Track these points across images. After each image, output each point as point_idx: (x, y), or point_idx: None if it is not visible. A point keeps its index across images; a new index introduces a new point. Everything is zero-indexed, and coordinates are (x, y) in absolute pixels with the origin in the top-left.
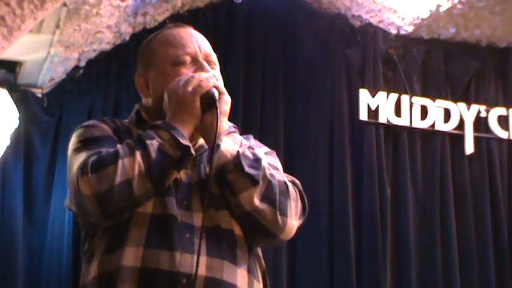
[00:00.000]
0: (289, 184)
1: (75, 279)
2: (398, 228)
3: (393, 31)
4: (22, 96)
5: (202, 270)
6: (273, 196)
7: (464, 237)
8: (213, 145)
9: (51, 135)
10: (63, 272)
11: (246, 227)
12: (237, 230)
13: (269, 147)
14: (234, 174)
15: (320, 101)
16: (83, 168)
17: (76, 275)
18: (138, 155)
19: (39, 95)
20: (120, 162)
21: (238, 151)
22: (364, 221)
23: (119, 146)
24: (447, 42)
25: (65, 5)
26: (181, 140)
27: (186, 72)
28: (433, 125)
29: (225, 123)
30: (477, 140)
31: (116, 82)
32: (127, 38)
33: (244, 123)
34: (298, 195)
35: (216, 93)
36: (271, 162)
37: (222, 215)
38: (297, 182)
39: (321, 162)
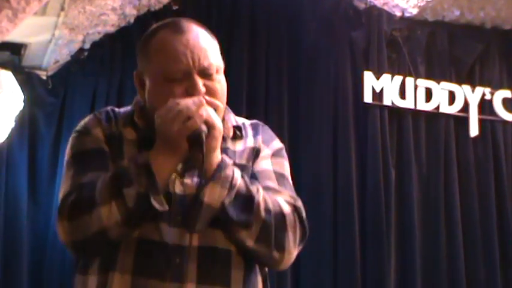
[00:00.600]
0: (286, 213)
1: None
2: (402, 210)
3: (398, 13)
4: (27, 78)
5: None
6: (268, 236)
7: (468, 219)
8: (199, 171)
9: (56, 117)
10: (67, 254)
11: (244, 255)
12: (234, 248)
13: (273, 131)
14: (224, 221)
15: (324, 84)
16: (61, 210)
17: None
18: (113, 204)
19: (44, 77)
20: (95, 212)
21: (223, 203)
22: (368, 203)
23: (97, 187)
24: (452, 25)
25: None
26: (151, 199)
27: (178, 89)
28: (437, 108)
29: (216, 158)
30: (481, 123)
31: (120, 64)
32: (131, 20)
33: (248, 106)
34: (297, 221)
35: (205, 131)
36: (277, 168)
37: (218, 234)
38: (299, 204)
39: (326, 145)
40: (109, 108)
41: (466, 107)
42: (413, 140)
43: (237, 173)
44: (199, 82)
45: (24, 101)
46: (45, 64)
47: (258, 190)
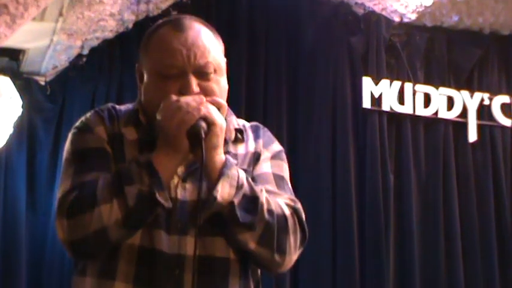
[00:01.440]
0: (288, 216)
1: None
2: (401, 216)
3: (396, 19)
4: (25, 84)
5: None
6: (271, 239)
7: (467, 224)
8: (199, 189)
9: (54, 123)
10: (66, 258)
11: (243, 259)
12: (233, 256)
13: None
14: (229, 221)
15: (323, 89)
16: (60, 208)
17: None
18: (115, 202)
19: (42, 83)
20: (96, 210)
21: (233, 201)
22: (367, 208)
23: (99, 185)
24: (450, 30)
25: None
26: (156, 194)
27: (172, 87)
28: (436, 113)
29: (219, 156)
30: (480, 128)
31: (119, 70)
32: (130, 25)
33: (247, 111)
34: (297, 225)
35: (204, 127)
36: (276, 171)
37: (217, 242)
38: (298, 206)
39: (324, 150)
40: (110, 105)
41: (464, 113)
42: (412, 145)
43: (242, 173)
44: (194, 82)
45: (22, 107)
46: (44, 70)
47: (261, 191)
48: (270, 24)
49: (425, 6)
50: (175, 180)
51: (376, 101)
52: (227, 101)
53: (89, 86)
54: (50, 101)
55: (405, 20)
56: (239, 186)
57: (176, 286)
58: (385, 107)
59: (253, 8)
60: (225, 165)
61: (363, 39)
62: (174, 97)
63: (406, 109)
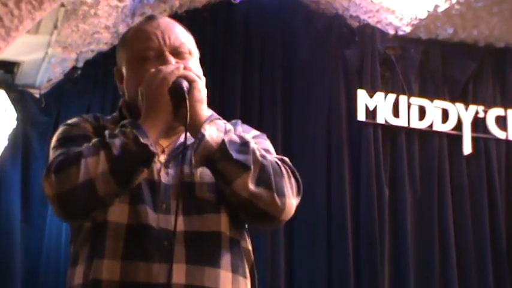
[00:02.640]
0: (280, 164)
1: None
2: (396, 228)
3: (391, 31)
4: (20, 96)
5: (181, 279)
6: (268, 178)
7: (462, 236)
8: (185, 135)
9: (49, 136)
10: (61, 272)
11: (245, 213)
12: (224, 230)
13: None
14: (223, 163)
15: (318, 102)
16: (48, 168)
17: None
18: (101, 153)
19: (37, 96)
20: (83, 161)
21: (223, 139)
22: (362, 221)
23: (84, 146)
24: (445, 43)
25: (62, 5)
26: (140, 139)
27: (151, 67)
28: (431, 126)
29: (204, 111)
30: (475, 141)
31: (114, 82)
32: None
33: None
34: (290, 173)
35: (185, 83)
36: (260, 145)
37: (206, 219)
38: (286, 159)
39: (319, 163)
40: (95, 113)
41: (459, 125)
42: (407, 158)
43: (229, 125)
44: (172, 60)
45: (17, 119)
46: (39, 82)
47: (251, 139)
48: (265, 36)
49: (420, 19)
50: (158, 165)
51: (371, 113)
52: (222, 117)
53: (83, 99)
54: (45, 113)
55: (400, 32)
56: (227, 132)
57: (165, 256)
58: (380, 119)
59: (249, 20)
60: (211, 115)
61: (358, 52)
62: (152, 69)
63: (401, 122)
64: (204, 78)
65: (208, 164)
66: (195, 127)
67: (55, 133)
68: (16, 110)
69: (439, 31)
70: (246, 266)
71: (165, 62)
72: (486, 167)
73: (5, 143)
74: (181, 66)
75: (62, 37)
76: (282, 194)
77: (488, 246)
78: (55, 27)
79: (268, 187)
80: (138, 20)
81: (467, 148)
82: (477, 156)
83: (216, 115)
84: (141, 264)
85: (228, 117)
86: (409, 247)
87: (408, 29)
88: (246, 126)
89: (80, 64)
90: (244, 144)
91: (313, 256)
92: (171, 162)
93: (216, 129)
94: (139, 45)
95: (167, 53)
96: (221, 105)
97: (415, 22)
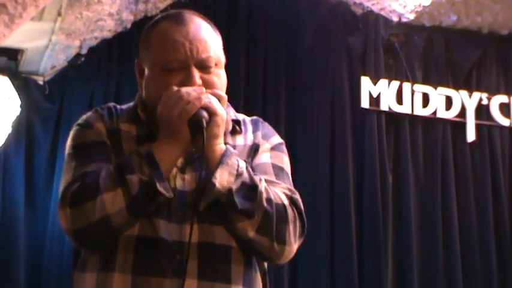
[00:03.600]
0: (287, 205)
1: (73, 284)
2: (399, 215)
3: (395, 18)
4: (24, 83)
5: None
6: (270, 227)
7: (465, 224)
8: (200, 173)
9: (53, 123)
10: (64, 258)
11: (244, 249)
12: (234, 244)
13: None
14: (228, 209)
15: (321, 89)
16: (63, 197)
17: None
18: (119, 191)
19: (41, 83)
20: (99, 198)
21: (231, 188)
22: (365, 208)
23: (101, 175)
24: (449, 30)
25: None
26: (157, 185)
27: (174, 80)
28: (434, 113)
29: (220, 146)
30: (479, 128)
31: (117, 69)
32: (128, 25)
33: (245, 110)
34: (296, 215)
35: (205, 116)
36: (275, 161)
37: (217, 230)
38: (296, 196)
39: (323, 150)
40: (111, 104)
41: (463, 112)
42: (411, 145)
43: (242, 163)
44: (196, 74)
45: (21, 107)
46: (42, 69)
47: (260, 180)
48: (268, 24)
49: (423, 6)
50: (174, 171)
51: (375, 100)
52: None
53: (87, 86)
54: (49, 100)
55: (403, 19)
56: (238, 175)
57: (177, 271)
58: (384, 106)
59: (252, 7)
60: (225, 154)
61: (361, 39)
62: (175, 88)
63: (405, 109)
64: (225, 96)
65: (214, 203)
66: (207, 161)
67: (60, 120)
68: (20, 97)
69: (442, 18)
70: (259, 275)
71: (188, 77)
72: (490, 154)
73: (9, 130)
74: (204, 93)
75: (66, 24)
76: (282, 242)
77: (492, 233)
78: (59, 14)
79: (269, 236)
80: (141, 7)
81: (470, 135)
82: (481, 143)
83: (230, 150)
84: (152, 279)
85: (231, 105)
86: (413, 234)
87: (412, 16)
88: (266, 128)
89: (84, 51)
90: (252, 189)
91: (317, 244)
92: (188, 168)
93: (228, 173)
94: (164, 56)
95: (193, 68)
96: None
97: (419, 9)
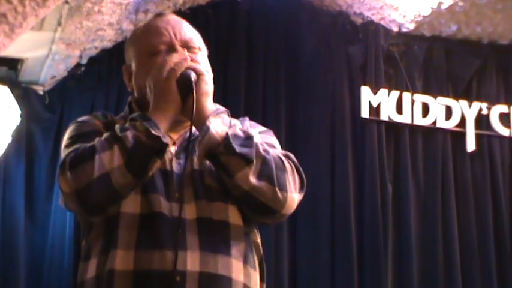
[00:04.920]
0: (283, 159)
1: (77, 276)
2: (400, 226)
3: (395, 28)
4: (24, 93)
5: (196, 266)
6: (270, 172)
7: (465, 234)
8: (190, 127)
9: (53, 133)
10: (64, 269)
11: (246, 206)
12: (232, 220)
13: None
14: (226, 156)
15: (321, 99)
16: (61, 165)
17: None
18: (115, 147)
19: (41, 92)
20: (97, 156)
21: (227, 132)
22: (365, 218)
23: (96, 140)
24: (449, 40)
25: (66, 2)
26: (152, 131)
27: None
28: (434, 123)
29: (210, 104)
30: (479, 138)
31: (118, 79)
32: (128, 35)
33: None
34: (294, 168)
35: (193, 75)
36: (266, 140)
37: (215, 206)
38: (291, 155)
39: (323, 160)
40: (104, 111)
41: (463, 122)
42: (411, 155)
43: (234, 120)
44: (184, 51)
45: (21, 116)
46: (42, 79)
47: (255, 134)
48: (268, 33)
49: (423, 16)
50: (169, 155)
51: (375, 110)
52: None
53: (87, 96)
54: (49, 110)
55: (403, 29)
56: (231, 125)
57: (179, 244)
58: (384, 116)
59: (252, 17)
60: (217, 109)
61: (362, 49)
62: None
63: (405, 119)
64: (211, 73)
65: (212, 157)
66: (200, 120)
67: (60, 130)
68: (20, 107)
69: (442, 28)
70: (256, 259)
71: (176, 53)
72: (490, 164)
73: (9, 139)
74: (189, 58)
75: (66, 34)
76: (283, 188)
77: (492, 242)
78: (59, 24)
79: (270, 181)
80: (141, 17)
81: (470, 145)
82: (481, 153)
83: (221, 108)
84: (155, 252)
85: (231, 114)
86: (413, 244)
87: (412, 26)
88: (253, 123)
89: (84, 61)
90: (248, 138)
91: (317, 253)
92: (182, 153)
93: (221, 123)
94: (150, 40)
95: (178, 46)
96: (224, 103)
97: (419, 19)
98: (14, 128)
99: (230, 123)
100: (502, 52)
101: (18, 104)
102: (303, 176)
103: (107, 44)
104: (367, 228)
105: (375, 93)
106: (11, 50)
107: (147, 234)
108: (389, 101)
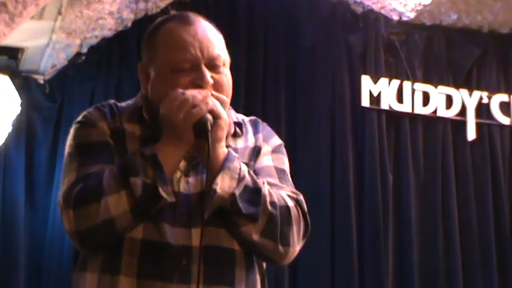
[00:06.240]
0: (291, 207)
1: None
2: (400, 214)
3: (395, 17)
4: (24, 82)
5: None
6: (274, 230)
7: (465, 223)
8: (206, 176)
9: (53, 122)
10: (64, 257)
11: (248, 251)
12: (238, 247)
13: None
14: (232, 214)
15: (322, 88)
16: (66, 199)
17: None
18: (122, 193)
19: (41, 82)
20: (103, 200)
21: (234, 193)
22: (366, 207)
23: (105, 176)
24: (449, 28)
25: None
26: (160, 189)
27: (184, 80)
28: (435, 112)
29: (222, 149)
30: (479, 126)
31: (118, 68)
32: (129, 24)
33: (246, 110)
34: (300, 215)
35: (210, 119)
36: (277, 164)
37: (222, 233)
38: (300, 198)
39: (323, 149)
40: (112, 102)
41: (463, 111)
42: (411, 144)
43: (244, 166)
44: (207, 74)
45: (21, 105)
46: (43, 68)
47: (263, 183)
48: (268, 22)
49: (424, 5)
50: (178, 174)
51: (375, 99)
52: None
53: (87, 85)
54: (49, 99)
55: (404, 18)
56: (240, 179)
57: (184, 276)
58: (384, 105)
59: (252, 6)
60: (227, 158)
61: (362, 38)
62: (180, 90)
63: (405, 108)
64: (228, 100)
65: (218, 209)
66: (210, 165)
67: (60, 118)
68: (20, 96)
69: (443, 17)
70: (258, 278)
71: (200, 74)
72: (490, 152)
73: (9, 128)
74: (210, 98)
75: (66, 23)
76: (286, 244)
77: (492, 231)
78: (59, 13)
79: (273, 238)
80: (142, 6)
81: (471, 134)
82: (481, 142)
83: (232, 154)
84: (158, 284)
85: (231, 104)
86: (413, 233)
87: (412, 15)
88: (266, 131)
89: (84, 50)
90: (256, 192)
91: (317, 244)
92: (192, 171)
93: (230, 178)
94: (174, 56)
95: (203, 67)
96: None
97: (419, 8)
98: (14, 117)
99: (240, 173)
100: (502, 41)
101: (19, 93)
102: (309, 221)
103: (107, 33)
104: (367, 217)
105: (375, 82)
106: (11, 39)
107: (150, 263)
108: (390, 90)
